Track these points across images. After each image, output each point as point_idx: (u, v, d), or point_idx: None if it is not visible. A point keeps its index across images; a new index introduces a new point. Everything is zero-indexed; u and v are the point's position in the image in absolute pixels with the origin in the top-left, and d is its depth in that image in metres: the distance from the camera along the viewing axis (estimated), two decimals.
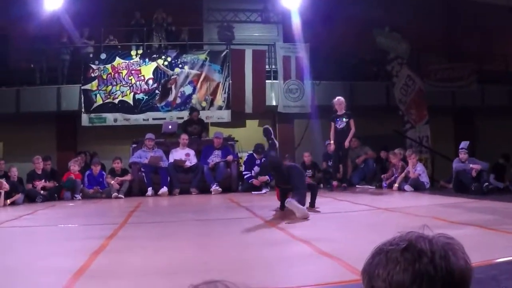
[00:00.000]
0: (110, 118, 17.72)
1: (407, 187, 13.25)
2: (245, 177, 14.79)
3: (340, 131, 13.36)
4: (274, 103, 18.61)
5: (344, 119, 13.38)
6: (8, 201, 12.46)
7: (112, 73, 17.87)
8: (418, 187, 13.26)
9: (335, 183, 13.84)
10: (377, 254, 1.50)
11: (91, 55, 18.17)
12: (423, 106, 17.71)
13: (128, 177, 14.57)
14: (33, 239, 7.18)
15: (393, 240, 1.50)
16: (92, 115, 17.64)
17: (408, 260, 1.41)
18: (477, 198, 10.49)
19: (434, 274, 1.38)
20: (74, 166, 14.50)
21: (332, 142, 13.48)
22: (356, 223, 7.65)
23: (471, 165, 12.34)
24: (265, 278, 4.23)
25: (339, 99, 13.61)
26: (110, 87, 17.82)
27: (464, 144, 12.75)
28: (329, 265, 4.67)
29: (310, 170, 15.81)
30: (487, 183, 11.91)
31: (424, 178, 13.71)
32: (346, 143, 13.25)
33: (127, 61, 18.01)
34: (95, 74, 17.77)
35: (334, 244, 5.70)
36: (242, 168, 15.33)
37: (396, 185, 13.55)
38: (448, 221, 6.91)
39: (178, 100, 18.09)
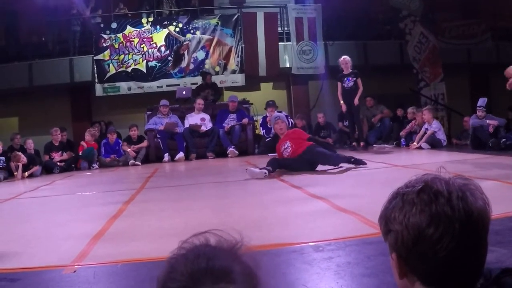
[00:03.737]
0: (124, 87, 17.71)
1: (424, 144, 13.17)
2: (263, 133, 15.01)
3: (348, 90, 13.25)
4: (287, 65, 18.50)
5: (351, 78, 13.27)
6: (26, 174, 12.62)
7: (124, 42, 17.82)
8: (435, 144, 13.19)
9: (354, 143, 13.80)
10: (393, 198, 1.48)
11: (101, 25, 18.09)
12: (438, 63, 17.51)
13: (144, 144, 14.62)
14: (52, 207, 7.25)
15: (409, 182, 1.48)
16: (106, 84, 17.65)
17: (424, 201, 1.39)
18: (494, 154, 10.39)
19: (452, 214, 1.35)
20: (88, 136, 14.53)
21: (342, 102, 13.38)
22: (373, 180, 7.63)
23: (488, 121, 12.22)
24: (284, 234, 4.24)
25: (344, 58, 13.50)
26: (122, 56, 17.79)
27: (482, 101, 12.58)
28: (347, 220, 4.67)
29: (325, 130, 15.93)
30: (504, 139, 11.77)
31: (441, 136, 13.60)
32: (356, 101, 13.15)
33: (138, 29, 17.95)
34: (107, 44, 17.73)
35: (351, 200, 5.69)
36: (261, 130, 15.39)
37: (415, 143, 13.44)
38: (466, 176, 6.85)
39: (191, 66, 18.05)
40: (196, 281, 1.14)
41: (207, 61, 18.07)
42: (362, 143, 13.69)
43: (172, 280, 1.17)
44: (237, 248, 1.24)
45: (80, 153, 14.29)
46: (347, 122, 14.73)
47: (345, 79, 13.30)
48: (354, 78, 13.22)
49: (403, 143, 14.16)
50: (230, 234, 1.26)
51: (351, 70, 13.36)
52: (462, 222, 1.35)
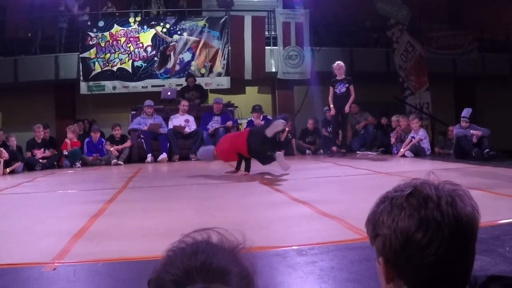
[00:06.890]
0: (109, 86, 17.61)
1: (407, 152, 13.22)
2: None
3: (339, 96, 13.25)
4: (273, 70, 18.49)
5: (344, 84, 13.26)
6: (8, 170, 12.47)
7: (111, 41, 17.73)
8: (418, 153, 13.24)
9: (334, 148, 13.83)
10: (381, 202, 1.46)
11: (89, 23, 17.96)
12: (424, 72, 17.59)
13: (127, 144, 14.56)
14: (33, 204, 7.17)
15: (398, 187, 1.47)
16: (91, 83, 17.53)
17: (413, 206, 1.38)
18: (477, 164, 10.45)
19: (441, 219, 1.35)
20: (70, 134, 14.46)
21: (332, 106, 13.37)
22: (357, 186, 7.64)
23: (472, 131, 12.28)
24: (266, 238, 4.21)
25: (338, 63, 13.49)
26: (108, 54, 17.69)
27: (466, 112, 12.63)
28: (331, 225, 4.66)
29: (311, 136, 15.96)
30: (487, 150, 11.84)
31: (426, 144, 13.65)
32: (346, 108, 13.18)
33: (125, 29, 17.86)
34: (93, 42, 17.62)
35: (334, 205, 5.69)
36: None
37: (401, 150, 13.46)
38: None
39: (177, 67, 17.99)
40: (190, 277, 1.12)
41: (193, 62, 18.02)
42: (342, 150, 13.72)
43: (166, 273, 1.15)
44: (238, 250, 1.23)
45: (65, 151, 14.21)
46: (330, 128, 14.76)
47: (338, 84, 13.30)
48: (347, 85, 13.21)
49: (395, 151, 14.08)
50: (232, 234, 1.25)
51: (344, 76, 13.36)
52: (451, 227, 1.34)
